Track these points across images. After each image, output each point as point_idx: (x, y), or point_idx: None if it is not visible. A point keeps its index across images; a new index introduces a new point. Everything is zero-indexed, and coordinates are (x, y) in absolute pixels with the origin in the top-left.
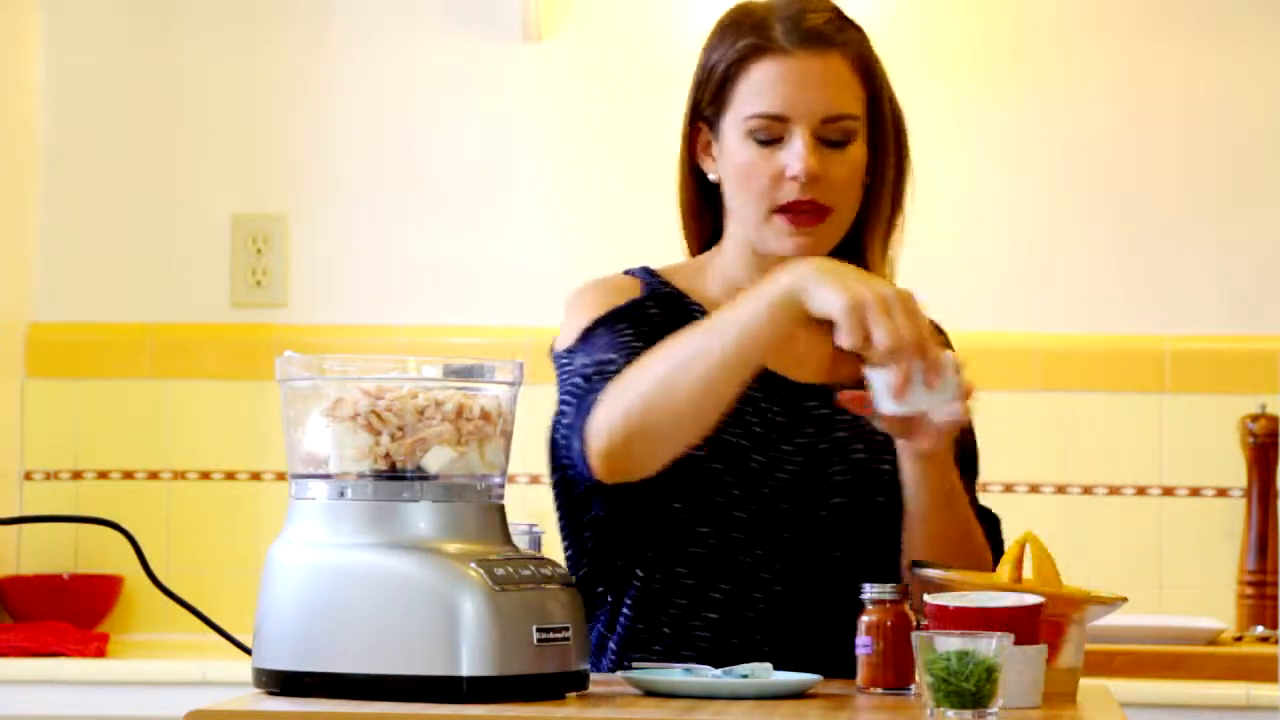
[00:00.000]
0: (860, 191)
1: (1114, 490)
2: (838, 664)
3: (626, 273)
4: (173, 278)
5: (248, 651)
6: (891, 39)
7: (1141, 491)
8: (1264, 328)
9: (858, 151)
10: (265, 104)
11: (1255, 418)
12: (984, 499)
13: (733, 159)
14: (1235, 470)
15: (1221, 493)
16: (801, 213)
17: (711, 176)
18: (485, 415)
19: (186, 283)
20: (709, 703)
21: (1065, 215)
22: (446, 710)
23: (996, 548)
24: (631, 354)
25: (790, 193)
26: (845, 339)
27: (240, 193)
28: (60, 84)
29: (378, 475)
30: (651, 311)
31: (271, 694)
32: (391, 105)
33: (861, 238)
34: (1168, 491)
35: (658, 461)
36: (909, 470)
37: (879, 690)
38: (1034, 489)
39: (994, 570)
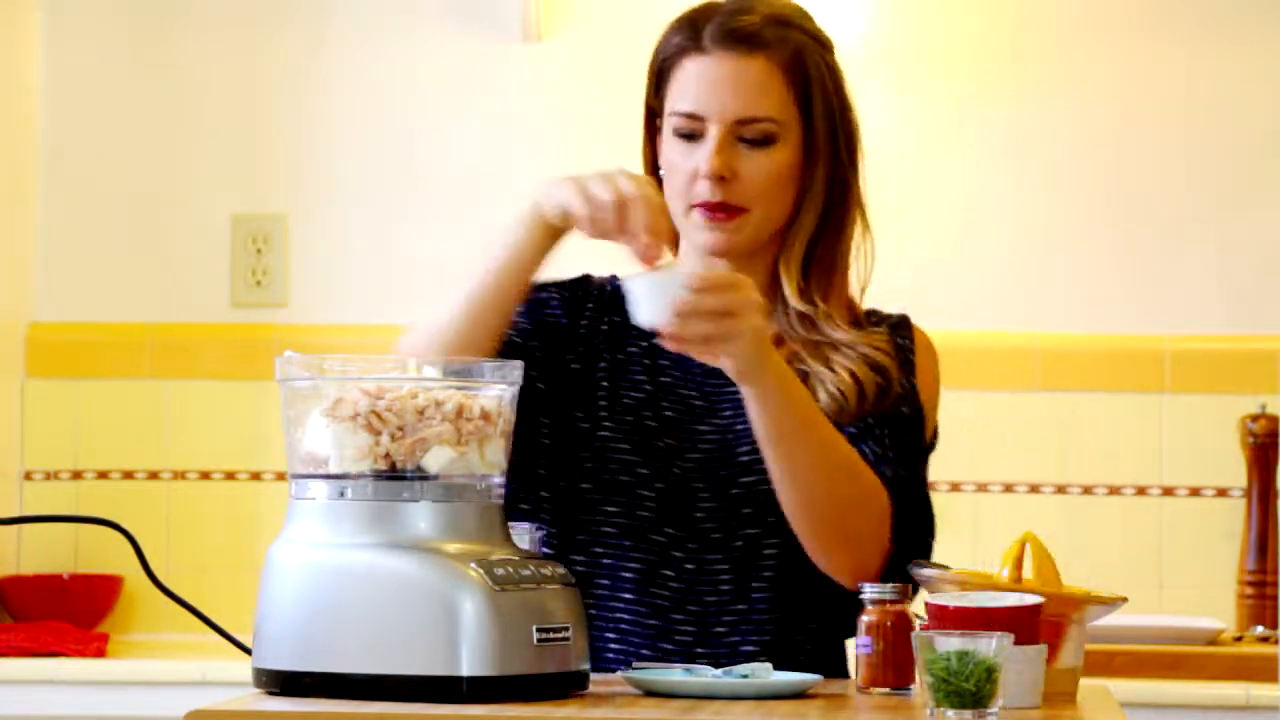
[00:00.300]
0: (788, 195)
1: (1114, 490)
2: (757, 643)
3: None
4: (173, 278)
5: (248, 651)
6: (892, 39)
7: (1141, 491)
8: (1264, 328)
9: (783, 154)
10: (265, 104)
11: (1255, 418)
12: (985, 499)
13: (664, 155)
14: (1235, 470)
15: (1221, 493)
16: (714, 210)
17: (661, 172)
18: (485, 415)
19: (186, 283)
20: (709, 703)
21: (1065, 215)
22: (446, 710)
23: (913, 517)
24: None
25: (702, 191)
26: (581, 224)
27: (240, 193)
28: (60, 84)
29: (378, 475)
30: (541, 296)
31: (271, 694)
32: (391, 105)
33: (787, 241)
34: (1168, 491)
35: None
36: (744, 399)
37: (879, 690)
38: (1034, 489)
39: (876, 523)
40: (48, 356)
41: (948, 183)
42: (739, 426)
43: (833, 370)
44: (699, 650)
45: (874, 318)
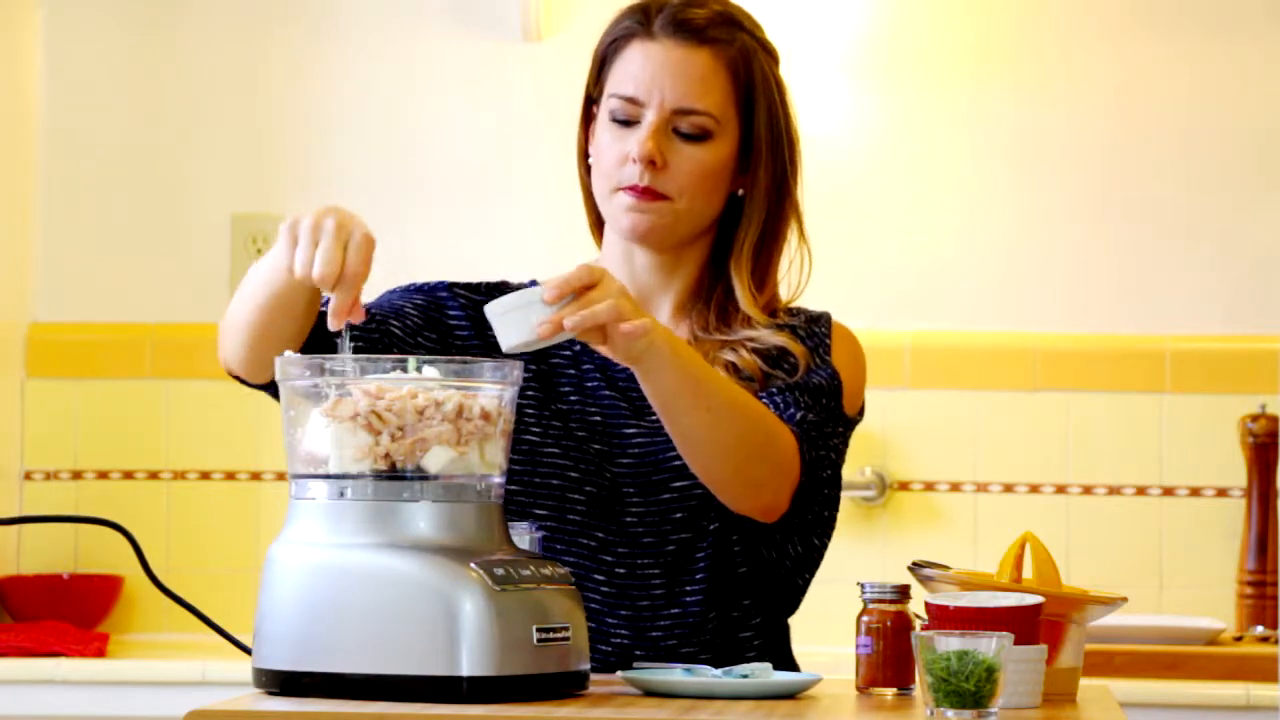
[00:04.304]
0: (716, 194)
1: (1114, 490)
2: (696, 644)
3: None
4: (173, 278)
5: (248, 651)
6: (892, 39)
7: (1141, 491)
8: (1264, 328)
9: (715, 152)
10: (265, 103)
11: (1255, 418)
12: (985, 499)
13: (595, 138)
14: (1235, 470)
15: (1221, 493)
16: (640, 193)
17: (591, 160)
18: (485, 415)
19: (186, 283)
20: (709, 703)
21: (1065, 215)
22: (446, 710)
23: (817, 460)
24: (383, 306)
25: (630, 175)
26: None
27: (240, 193)
28: (60, 84)
29: (378, 475)
30: (441, 295)
31: (271, 694)
32: (391, 105)
33: (731, 245)
34: (1168, 491)
35: (240, 353)
36: (639, 377)
37: (879, 690)
38: (1034, 489)
39: (783, 462)
40: (48, 356)
41: (948, 183)
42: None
43: (734, 364)
44: (636, 653)
45: (794, 312)
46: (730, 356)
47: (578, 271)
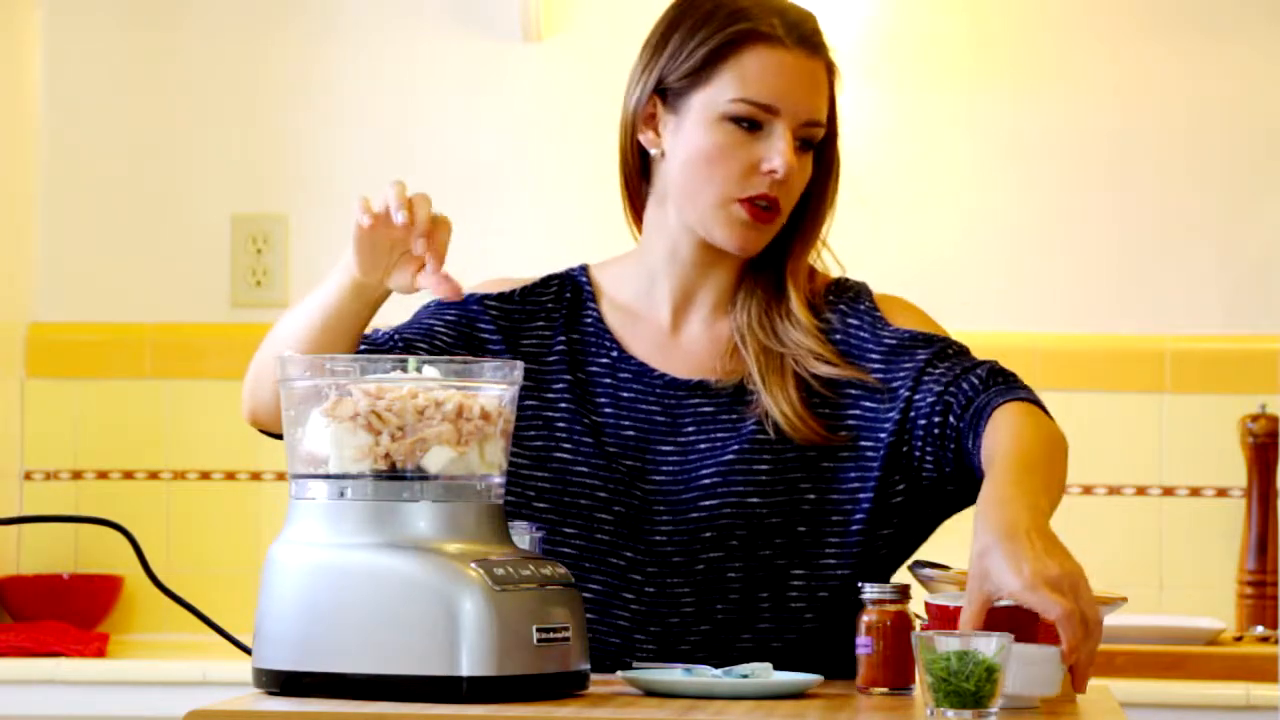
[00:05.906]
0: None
1: (1114, 490)
2: (721, 662)
3: (567, 270)
4: (173, 278)
5: (248, 651)
6: (892, 38)
7: (1141, 491)
8: (1264, 328)
9: (811, 164)
10: (265, 104)
11: (1255, 418)
12: None
13: (698, 139)
14: (1235, 470)
15: (1221, 493)
16: (763, 208)
17: (652, 150)
18: (485, 415)
19: (186, 283)
20: (709, 703)
21: (1065, 215)
22: (446, 710)
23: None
24: (413, 328)
25: (761, 185)
26: (373, 228)
27: (240, 193)
28: (60, 84)
29: (378, 475)
30: (474, 310)
31: (271, 694)
32: (392, 105)
33: (790, 248)
34: (1168, 491)
35: (265, 404)
36: None
37: (879, 690)
38: None
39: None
40: (48, 356)
41: (948, 183)
42: (702, 445)
43: (775, 400)
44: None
45: (846, 291)
46: (774, 408)
47: (1086, 628)
